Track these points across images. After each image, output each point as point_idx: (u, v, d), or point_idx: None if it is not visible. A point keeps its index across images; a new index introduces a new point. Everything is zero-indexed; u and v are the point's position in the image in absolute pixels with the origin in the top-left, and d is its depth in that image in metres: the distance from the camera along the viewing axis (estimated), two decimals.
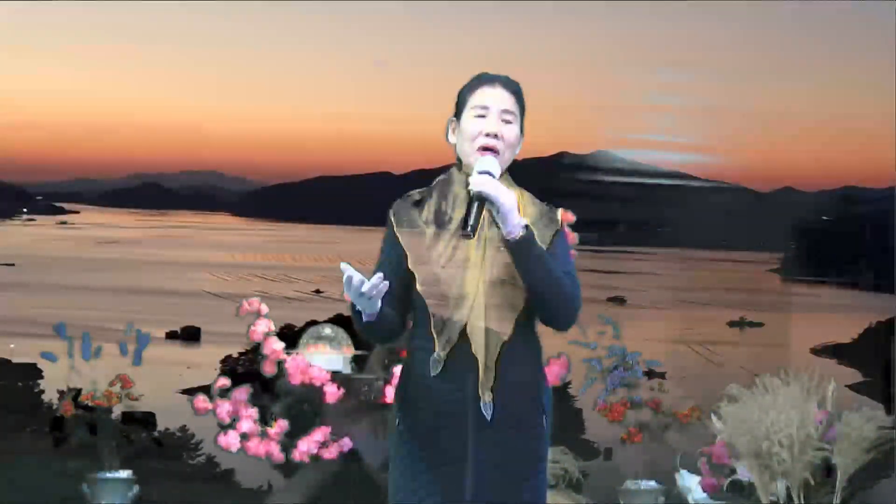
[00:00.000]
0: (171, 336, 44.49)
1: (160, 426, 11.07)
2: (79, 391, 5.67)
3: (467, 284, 2.61)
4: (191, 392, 6.65)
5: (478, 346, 2.60)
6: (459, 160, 2.73)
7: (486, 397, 2.60)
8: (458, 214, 2.63)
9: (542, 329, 2.71)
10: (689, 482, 5.17)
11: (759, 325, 51.92)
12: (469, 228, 2.51)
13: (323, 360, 5.55)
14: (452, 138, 2.74)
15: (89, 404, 5.62)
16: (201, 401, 5.23)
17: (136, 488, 5.60)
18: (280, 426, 5.24)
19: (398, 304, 2.67)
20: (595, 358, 5.67)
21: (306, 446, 5.20)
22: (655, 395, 5.73)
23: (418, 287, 2.64)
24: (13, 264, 65.76)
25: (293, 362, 5.24)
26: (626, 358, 5.66)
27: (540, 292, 2.58)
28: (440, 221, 2.67)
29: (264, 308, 5.30)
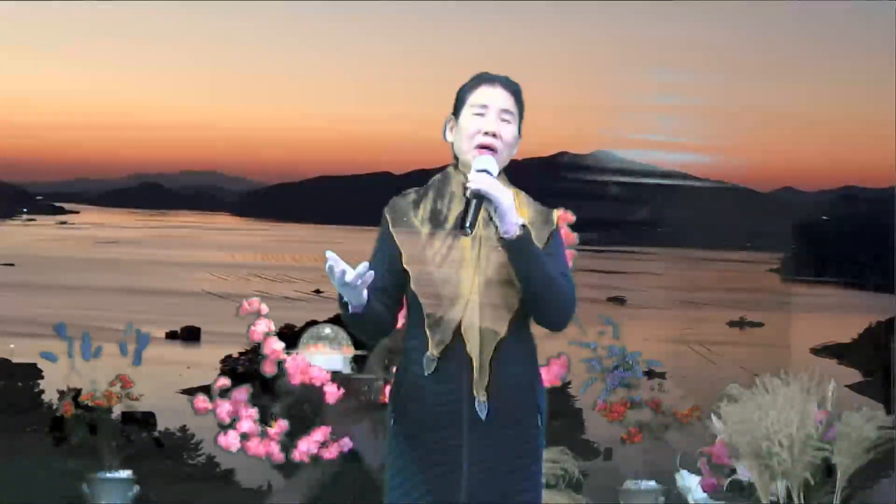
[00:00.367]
0: (171, 336, 44.53)
1: (160, 426, 11.08)
2: (79, 391, 5.68)
3: (462, 284, 2.60)
4: (191, 392, 6.65)
5: (472, 346, 2.59)
6: (457, 159, 2.73)
7: (481, 397, 2.59)
8: (455, 213, 2.63)
9: (541, 329, 2.70)
10: (689, 482, 5.17)
11: (759, 325, 51.90)
12: (467, 226, 2.51)
13: (323, 360, 5.56)
14: (450, 136, 2.74)
15: (89, 404, 5.62)
16: (201, 401, 5.23)
17: (136, 488, 5.61)
18: (280, 426, 5.24)
19: (388, 300, 2.65)
20: (595, 358, 5.68)
21: (306, 446, 5.20)
22: (655, 395, 5.73)
23: (413, 286, 2.64)
24: (13, 264, 65.69)
25: (293, 362, 5.24)
26: (626, 358, 5.67)
27: (536, 292, 2.57)
28: (436, 220, 2.67)
29: (264, 308, 5.30)
